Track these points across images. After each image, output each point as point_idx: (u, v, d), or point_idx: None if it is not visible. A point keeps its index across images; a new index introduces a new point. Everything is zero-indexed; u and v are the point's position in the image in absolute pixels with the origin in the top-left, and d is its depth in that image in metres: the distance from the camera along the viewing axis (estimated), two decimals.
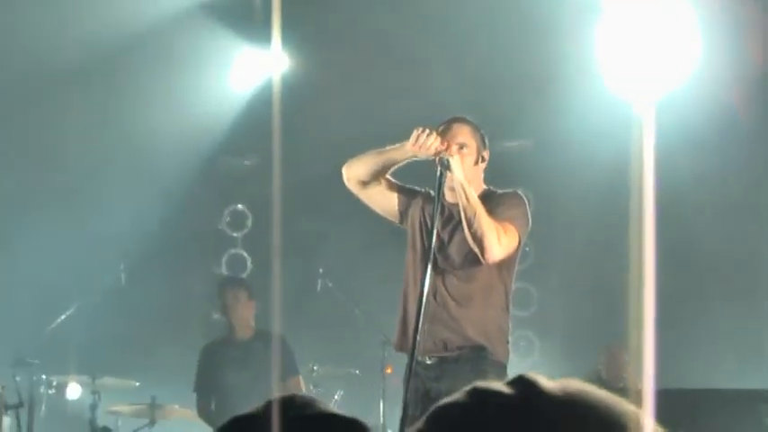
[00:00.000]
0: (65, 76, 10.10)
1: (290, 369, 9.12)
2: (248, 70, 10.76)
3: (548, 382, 1.26)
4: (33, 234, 10.61)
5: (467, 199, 5.88)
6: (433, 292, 5.97)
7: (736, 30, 9.37)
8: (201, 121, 10.79)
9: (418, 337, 5.55)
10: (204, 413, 9.11)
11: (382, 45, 10.25)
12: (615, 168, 8.30)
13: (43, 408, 8.96)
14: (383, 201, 6.33)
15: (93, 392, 8.84)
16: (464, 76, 10.02)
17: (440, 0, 9.98)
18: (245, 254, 11.85)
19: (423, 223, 6.22)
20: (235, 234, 11.93)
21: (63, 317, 9.55)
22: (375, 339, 9.21)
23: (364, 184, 6.24)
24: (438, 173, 5.87)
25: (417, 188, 6.37)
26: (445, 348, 6.06)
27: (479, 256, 5.94)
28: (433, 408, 1.30)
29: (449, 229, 6.15)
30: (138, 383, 9.27)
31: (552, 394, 1.24)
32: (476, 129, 6.23)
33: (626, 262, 5.24)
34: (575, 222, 10.94)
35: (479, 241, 5.89)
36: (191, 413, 9.13)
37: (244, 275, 11.41)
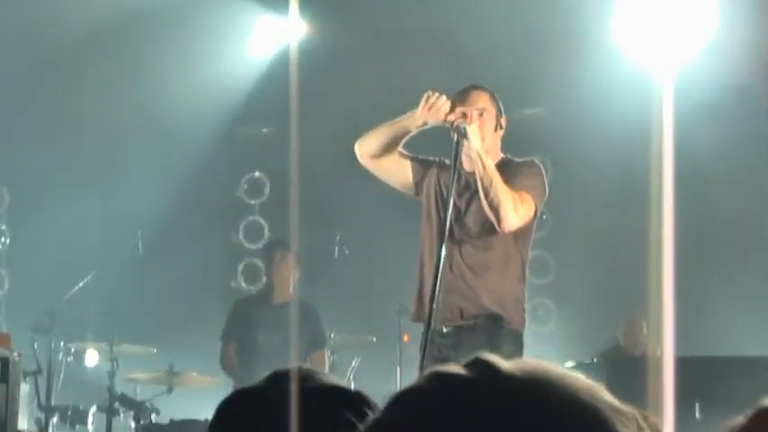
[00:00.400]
0: (82, 48, 10.12)
1: (317, 342, 9.19)
2: (266, 38, 10.74)
3: (505, 363, 1.26)
4: (53, 206, 10.65)
5: (483, 167, 5.86)
6: (450, 261, 5.95)
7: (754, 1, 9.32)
8: (219, 89, 10.79)
9: (434, 307, 5.55)
10: (226, 363, 9.21)
11: (400, 12, 10.22)
12: (632, 136, 8.29)
13: (61, 375, 9.00)
14: (398, 173, 6.30)
15: (111, 359, 8.86)
16: (482, 46, 9.98)
17: None
18: (263, 221, 11.86)
19: (438, 192, 6.20)
20: (252, 202, 11.94)
21: (81, 284, 9.58)
22: (392, 307, 9.21)
23: (377, 158, 6.21)
24: (455, 141, 5.84)
25: (431, 158, 6.34)
26: (461, 317, 6.06)
27: (496, 225, 5.92)
28: (393, 395, 1.30)
29: (465, 197, 6.13)
30: (155, 350, 9.31)
31: (512, 374, 1.24)
32: (493, 96, 6.21)
33: (644, 230, 5.23)
34: (592, 190, 10.92)
35: (496, 210, 5.88)
36: (209, 380, 9.18)
37: (261, 243, 11.43)
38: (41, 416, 8.65)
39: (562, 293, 11.39)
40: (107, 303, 10.13)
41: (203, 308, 10.53)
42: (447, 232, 5.72)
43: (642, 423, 1.26)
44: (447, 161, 6.02)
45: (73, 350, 9.08)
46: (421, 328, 5.82)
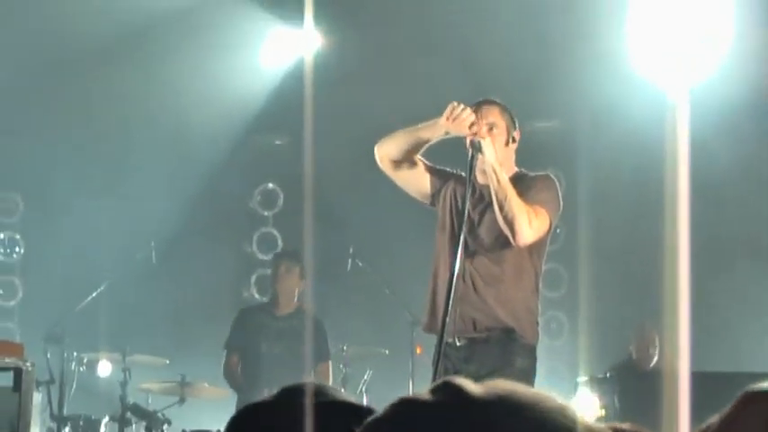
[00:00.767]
0: (97, 58, 10.13)
1: (321, 354, 9.17)
2: (280, 49, 10.75)
3: (474, 386, 1.24)
4: (67, 215, 10.67)
5: (498, 181, 5.86)
6: (463, 273, 5.94)
7: None
8: (233, 101, 10.80)
9: (447, 319, 5.53)
10: (229, 372, 9.19)
11: (415, 24, 10.22)
12: (647, 150, 8.27)
13: (74, 384, 8.99)
14: (416, 182, 6.30)
15: (124, 370, 8.87)
16: (497, 58, 9.97)
17: None
18: (276, 232, 11.86)
19: (453, 205, 6.19)
20: (266, 213, 11.95)
21: (94, 294, 9.59)
22: (404, 319, 9.21)
23: (397, 163, 6.21)
24: (469, 155, 5.85)
25: (449, 169, 6.34)
26: (474, 328, 6.04)
27: (510, 239, 5.92)
28: (363, 424, 1.29)
29: (479, 209, 6.13)
30: (168, 361, 9.31)
31: (480, 398, 1.22)
32: (504, 109, 6.20)
33: (658, 244, 5.21)
34: (606, 204, 10.89)
35: (510, 224, 5.87)
36: (221, 391, 9.18)
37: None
38: (54, 425, 8.66)
39: (575, 307, 11.36)
40: (120, 313, 10.14)
41: (216, 319, 10.52)
42: (461, 244, 5.71)
43: None
44: (463, 174, 6.02)
45: (85, 360, 9.07)
46: (434, 339, 5.81)
